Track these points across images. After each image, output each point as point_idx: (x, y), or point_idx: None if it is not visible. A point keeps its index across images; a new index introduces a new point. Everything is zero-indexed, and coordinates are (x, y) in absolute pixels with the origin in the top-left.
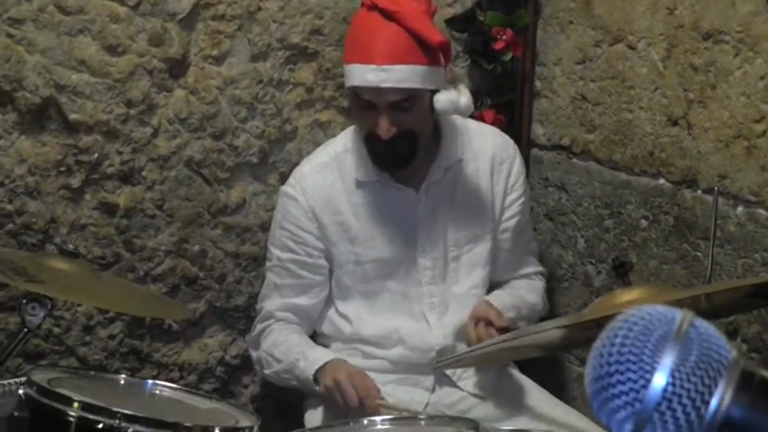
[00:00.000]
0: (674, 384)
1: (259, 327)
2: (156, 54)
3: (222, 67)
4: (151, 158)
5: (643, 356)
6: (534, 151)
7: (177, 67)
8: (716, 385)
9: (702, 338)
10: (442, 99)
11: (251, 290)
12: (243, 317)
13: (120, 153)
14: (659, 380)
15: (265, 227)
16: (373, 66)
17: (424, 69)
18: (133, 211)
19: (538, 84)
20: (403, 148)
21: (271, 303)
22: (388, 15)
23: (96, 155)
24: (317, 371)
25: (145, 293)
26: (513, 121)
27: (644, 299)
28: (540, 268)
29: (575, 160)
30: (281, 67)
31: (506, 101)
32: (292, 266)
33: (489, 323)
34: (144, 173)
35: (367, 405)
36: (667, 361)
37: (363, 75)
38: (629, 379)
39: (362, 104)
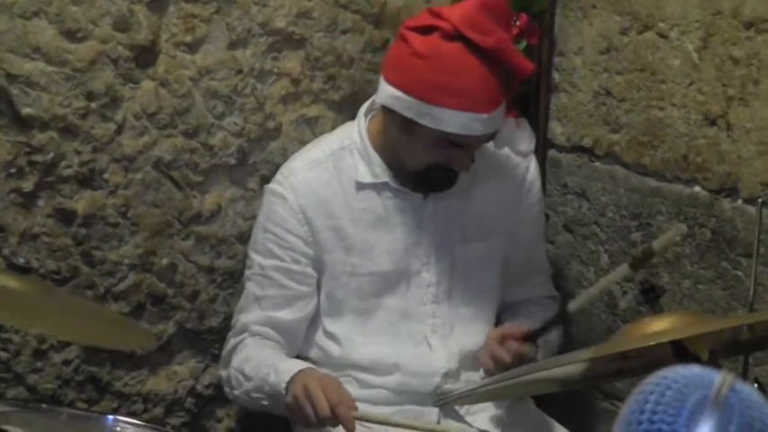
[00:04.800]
0: None
1: (232, 342)
2: (121, 40)
3: (196, 56)
4: (114, 159)
5: (677, 425)
6: (552, 153)
7: (145, 56)
8: None
9: (744, 405)
10: (527, 136)
11: (227, 310)
12: (217, 340)
13: (78, 153)
14: None
15: (244, 238)
16: (485, 115)
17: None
18: (93, 219)
19: (556, 76)
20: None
21: (248, 316)
22: (481, 50)
23: (52, 154)
24: (288, 383)
25: (105, 314)
26: (529, 118)
27: (677, 328)
28: (554, 292)
29: (597, 164)
30: (263, 56)
31: (520, 96)
32: (276, 275)
33: (509, 336)
34: (106, 175)
35: (340, 414)
36: (704, 430)
37: (471, 124)
38: None
39: (444, 143)
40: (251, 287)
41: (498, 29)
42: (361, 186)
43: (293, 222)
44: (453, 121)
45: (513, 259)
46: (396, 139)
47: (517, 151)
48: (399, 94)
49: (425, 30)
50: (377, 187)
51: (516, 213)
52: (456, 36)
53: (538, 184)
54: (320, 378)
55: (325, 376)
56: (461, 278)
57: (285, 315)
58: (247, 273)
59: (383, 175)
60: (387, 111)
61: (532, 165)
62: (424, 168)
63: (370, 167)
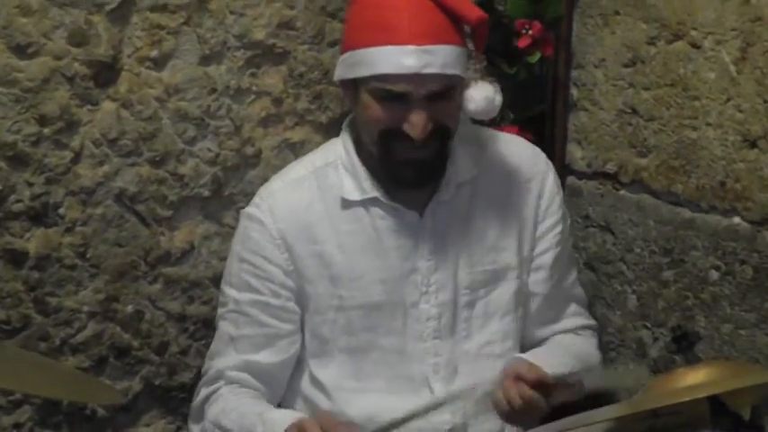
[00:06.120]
0: None
1: (204, 392)
2: (77, 56)
3: (163, 73)
4: (71, 192)
5: None
6: (571, 180)
7: (105, 73)
8: None
9: None
10: (478, 97)
11: (200, 363)
12: (190, 398)
13: (30, 185)
14: None
15: (219, 280)
16: (412, 47)
17: (462, 52)
18: (47, 261)
19: (574, 92)
20: (435, 150)
21: (222, 360)
22: None
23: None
24: None
25: (61, 371)
26: (543, 140)
27: (715, 381)
28: (590, 321)
29: (623, 192)
30: (239, 72)
31: (534, 115)
32: (253, 311)
33: (519, 378)
34: (61, 210)
35: None
36: None
37: (398, 59)
38: None
39: (386, 99)
40: (225, 327)
41: None
42: (347, 204)
43: (270, 249)
44: (381, 59)
45: (539, 289)
46: (356, 118)
47: (474, 110)
48: (342, 57)
49: None
50: (366, 205)
51: (535, 234)
52: None
53: (558, 199)
54: (318, 416)
55: (325, 414)
56: (466, 308)
57: (264, 358)
58: (221, 311)
59: (372, 191)
60: (343, 88)
61: (550, 177)
62: (378, 139)
63: (357, 182)
